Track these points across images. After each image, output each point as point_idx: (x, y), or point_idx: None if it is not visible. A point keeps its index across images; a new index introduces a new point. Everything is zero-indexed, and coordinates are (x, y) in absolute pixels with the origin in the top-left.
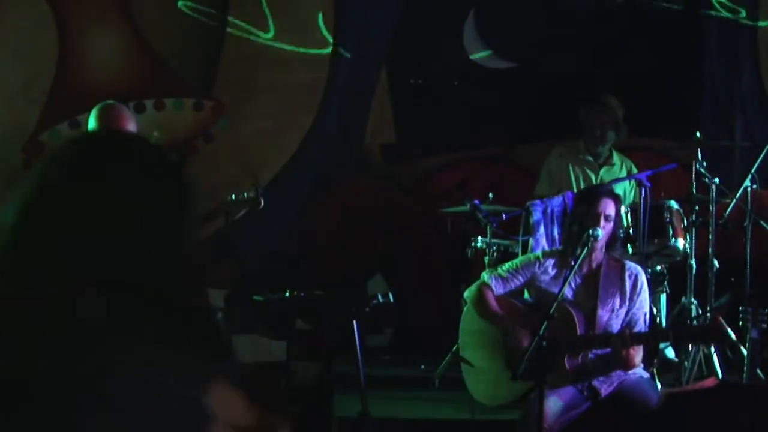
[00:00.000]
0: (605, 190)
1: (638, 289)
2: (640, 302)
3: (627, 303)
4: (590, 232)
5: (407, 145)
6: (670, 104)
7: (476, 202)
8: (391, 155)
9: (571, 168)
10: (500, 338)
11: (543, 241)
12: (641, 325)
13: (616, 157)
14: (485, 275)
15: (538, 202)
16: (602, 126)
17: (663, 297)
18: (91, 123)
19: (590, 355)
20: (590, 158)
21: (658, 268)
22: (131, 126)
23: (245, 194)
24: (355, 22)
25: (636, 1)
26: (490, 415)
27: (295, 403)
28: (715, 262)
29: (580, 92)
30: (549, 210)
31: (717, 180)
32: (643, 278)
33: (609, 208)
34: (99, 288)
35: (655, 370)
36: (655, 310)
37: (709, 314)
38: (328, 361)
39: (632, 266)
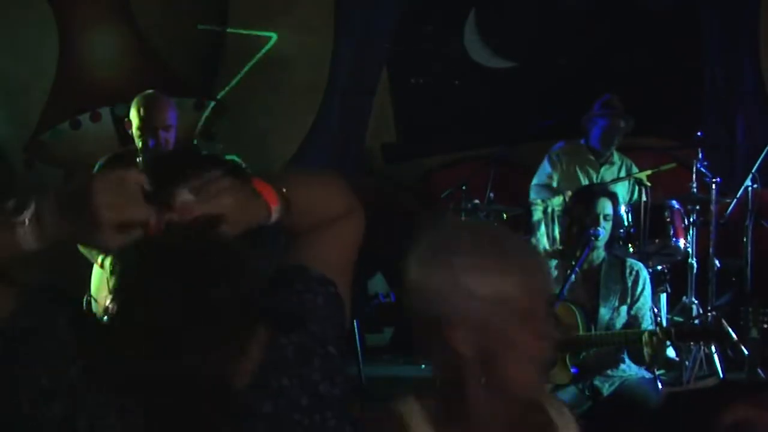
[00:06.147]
0: (603, 190)
1: (640, 286)
2: (643, 298)
3: (629, 301)
4: (590, 231)
5: (407, 145)
6: (670, 104)
7: (476, 202)
8: (391, 155)
9: (573, 166)
10: None
11: (544, 241)
12: (648, 322)
13: (616, 157)
14: None
15: (539, 201)
16: (612, 131)
17: (663, 296)
18: (133, 113)
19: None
20: (591, 157)
21: (659, 267)
22: (173, 115)
23: None
24: (355, 22)
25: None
26: None
27: None
28: (716, 262)
29: (580, 92)
30: (549, 209)
31: (718, 179)
32: (644, 274)
33: (607, 207)
34: None
35: (656, 369)
36: (656, 310)
37: (711, 314)
38: None
39: (633, 263)
